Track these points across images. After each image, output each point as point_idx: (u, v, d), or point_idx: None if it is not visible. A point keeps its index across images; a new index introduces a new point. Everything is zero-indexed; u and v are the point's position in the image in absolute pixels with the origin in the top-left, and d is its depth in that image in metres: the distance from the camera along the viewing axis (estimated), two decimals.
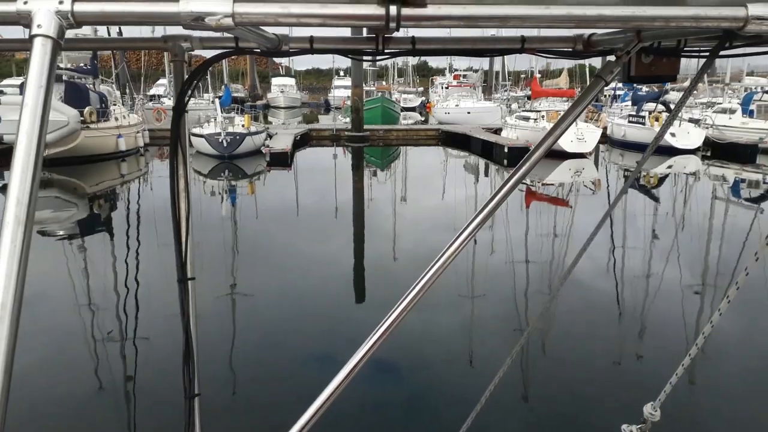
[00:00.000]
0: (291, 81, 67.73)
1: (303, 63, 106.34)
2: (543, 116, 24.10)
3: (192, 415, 1.73)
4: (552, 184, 17.37)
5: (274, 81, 66.28)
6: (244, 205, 14.92)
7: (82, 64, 23.66)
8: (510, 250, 10.19)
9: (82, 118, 19.52)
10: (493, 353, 6.10)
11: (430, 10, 1.06)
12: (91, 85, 22.93)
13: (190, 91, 1.63)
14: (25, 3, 0.92)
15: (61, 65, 23.62)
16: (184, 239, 1.68)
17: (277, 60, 75.69)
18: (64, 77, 22.12)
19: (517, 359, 2.21)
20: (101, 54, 26.79)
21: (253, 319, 7.23)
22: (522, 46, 1.60)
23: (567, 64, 31.38)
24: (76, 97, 20.40)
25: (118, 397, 5.40)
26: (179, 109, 1.65)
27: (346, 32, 1.82)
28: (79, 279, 8.70)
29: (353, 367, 1.54)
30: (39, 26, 0.91)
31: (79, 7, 0.94)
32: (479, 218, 1.56)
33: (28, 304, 5.30)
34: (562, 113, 1.69)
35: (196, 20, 0.96)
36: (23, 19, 0.93)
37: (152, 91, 40.66)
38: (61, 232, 12.01)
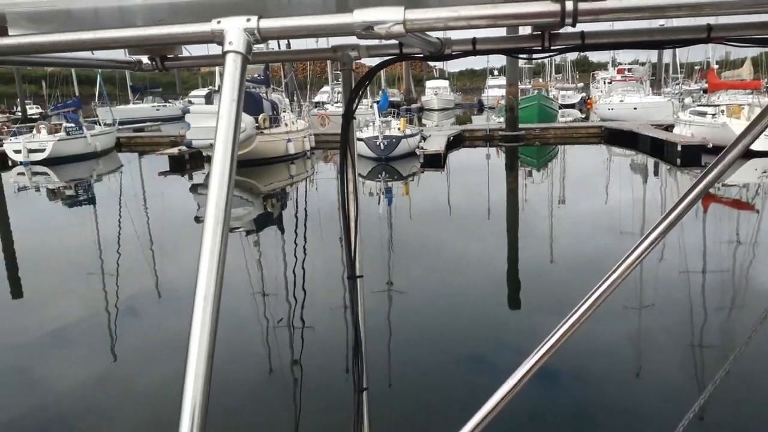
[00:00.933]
0: (444, 83, 68.18)
1: (457, 65, 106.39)
2: (723, 111, 21.68)
3: (361, 408, 1.80)
4: (735, 186, 15.58)
5: (428, 84, 67.15)
6: (399, 205, 15.32)
7: (256, 75, 25.86)
8: (685, 258, 9.32)
9: (257, 125, 21.38)
10: (664, 367, 5.63)
11: (610, 2, 1.00)
12: (264, 94, 24.99)
13: (357, 98, 1.69)
14: (218, 23, 1.00)
15: None
16: (353, 238, 1.75)
17: (431, 63, 76.56)
18: None
19: (720, 385, 1.95)
20: (272, 65, 29.08)
21: (411, 316, 7.41)
22: (708, 35, 1.45)
23: (750, 53, 27.90)
24: (251, 105, 22.38)
25: (286, 382, 5.84)
26: (348, 116, 1.71)
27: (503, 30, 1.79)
28: (254, 271, 9.54)
29: (523, 375, 1.50)
30: (230, 43, 0.98)
31: (265, 24, 1.00)
32: (665, 223, 1.45)
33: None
34: (746, 107, 1.50)
35: (367, 29, 0.99)
36: (216, 38, 1.01)
37: (317, 98, 43.30)
38: (240, 228, 13.26)
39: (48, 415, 5.41)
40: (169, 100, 55.54)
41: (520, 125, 27.91)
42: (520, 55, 1.66)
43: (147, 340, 7.03)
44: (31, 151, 23.39)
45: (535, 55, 1.60)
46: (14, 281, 9.72)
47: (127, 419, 5.30)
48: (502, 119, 30.70)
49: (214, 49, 1.11)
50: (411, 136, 23.26)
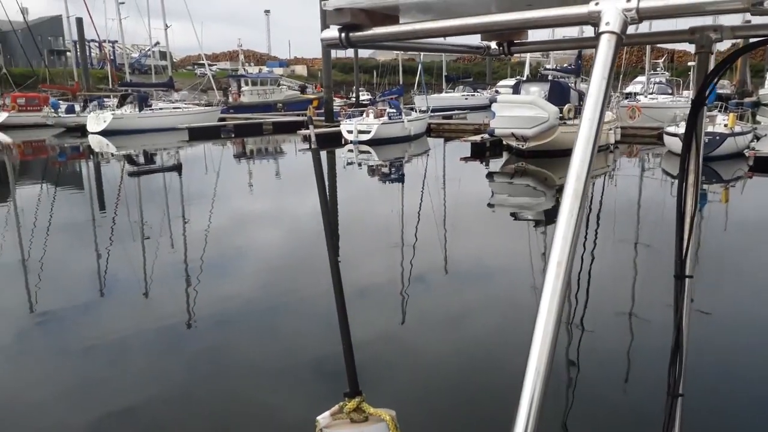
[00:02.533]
0: None
1: None
2: None
3: (673, 414, 1.69)
4: None
5: None
6: (714, 212, 13.41)
7: (566, 65, 25.27)
8: None
9: (560, 115, 20.95)
10: None
11: None
12: (573, 84, 24.28)
13: (713, 85, 1.56)
14: (596, 4, 1.03)
15: (548, 66, 25.80)
16: (686, 235, 1.63)
17: None
18: (549, 77, 24.13)
19: None
20: (584, 53, 27.97)
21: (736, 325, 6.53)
22: None
23: None
24: (558, 95, 21.99)
25: (565, 381, 5.71)
26: (699, 102, 1.60)
27: None
28: (537, 263, 9.49)
29: None
30: (607, 24, 1.01)
31: (645, 4, 1.00)
32: None
33: (506, 272, 6.08)
34: None
35: (757, 5, 0.92)
36: (592, 19, 1.04)
37: (628, 89, 40.29)
38: (529, 217, 13.30)
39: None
40: (478, 90, 57.94)
41: None
42: None
43: (433, 312, 7.59)
44: (360, 132, 27.02)
45: None
46: (333, 243, 11.45)
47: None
48: None
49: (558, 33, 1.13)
50: (740, 134, 20.06)
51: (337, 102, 43.75)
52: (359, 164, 23.48)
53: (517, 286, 8.41)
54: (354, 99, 54.11)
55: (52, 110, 38.66)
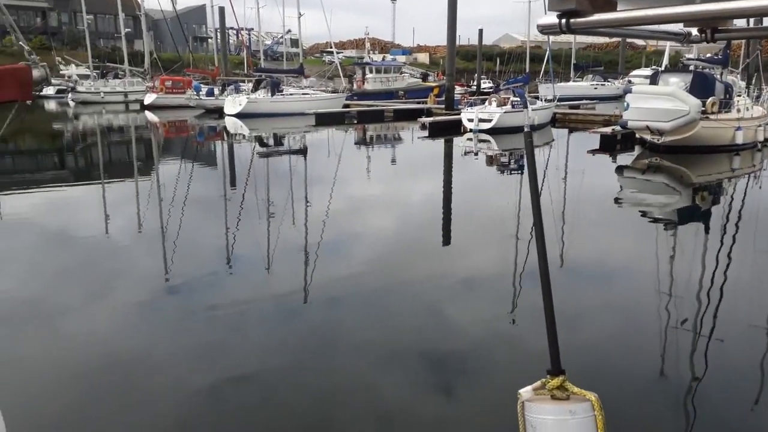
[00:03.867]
0: None
1: None
2: None
3: None
4: None
5: None
6: None
7: (710, 54, 23.16)
8: None
9: (703, 108, 19.27)
10: None
11: None
12: (718, 75, 22.22)
13: None
14: None
15: (690, 56, 23.78)
16: None
17: None
18: (692, 67, 22.23)
19: None
20: (733, 43, 25.47)
21: None
22: None
23: None
24: (701, 87, 20.22)
25: (678, 384, 5.30)
26: None
27: None
28: (664, 265, 8.84)
29: None
30: None
31: None
32: None
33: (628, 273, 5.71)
34: None
35: None
36: None
37: None
38: (660, 216, 12.41)
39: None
40: (609, 80, 54.85)
41: None
42: None
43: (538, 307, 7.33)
44: (481, 120, 26.60)
45: None
46: (446, 230, 11.40)
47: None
48: None
49: None
50: None
51: (458, 90, 43.36)
52: (476, 153, 23.16)
53: (639, 289, 7.88)
54: (475, 87, 53.40)
55: (195, 93, 41.85)
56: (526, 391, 1.85)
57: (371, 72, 49.69)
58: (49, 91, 48.87)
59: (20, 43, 4.01)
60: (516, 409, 1.80)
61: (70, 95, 47.48)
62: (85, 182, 17.55)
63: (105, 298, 7.59)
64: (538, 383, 1.87)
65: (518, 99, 27.62)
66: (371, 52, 58.90)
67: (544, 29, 1.37)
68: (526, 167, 1.89)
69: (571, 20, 1.30)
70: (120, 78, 51.20)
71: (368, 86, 48.67)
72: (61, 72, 51.75)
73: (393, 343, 6.26)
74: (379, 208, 13.15)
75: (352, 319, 6.92)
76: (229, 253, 9.71)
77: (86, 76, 50.53)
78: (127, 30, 53.39)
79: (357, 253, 9.69)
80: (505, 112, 26.58)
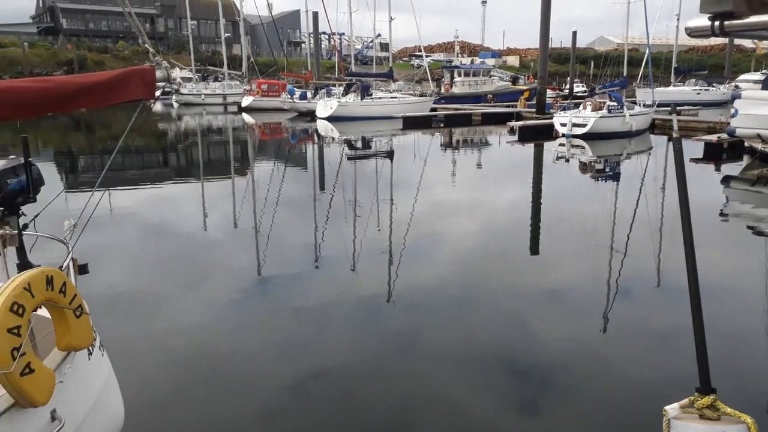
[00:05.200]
0: None
1: None
2: None
3: None
4: None
5: None
6: None
7: None
8: None
9: None
10: None
11: None
12: None
13: None
14: None
15: None
16: None
17: None
18: None
19: None
20: None
21: None
22: None
23: None
24: None
25: None
26: None
27: None
28: None
29: None
30: None
31: None
32: None
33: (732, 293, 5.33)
34: None
35: None
36: None
37: None
38: None
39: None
40: (713, 84, 51.47)
41: None
42: None
43: (634, 325, 7.00)
44: (574, 125, 25.76)
45: None
46: (534, 239, 11.12)
47: None
48: None
49: None
50: None
51: (550, 94, 42.24)
52: (567, 159, 22.44)
53: (741, 310, 7.34)
54: (567, 91, 51.79)
55: (288, 96, 43.31)
56: (672, 409, 1.78)
57: (459, 75, 49.40)
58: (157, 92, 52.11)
59: (146, 45, 4.34)
60: (662, 425, 1.72)
61: (174, 97, 50.48)
62: (186, 180, 18.63)
63: (201, 290, 8.02)
64: (685, 401, 1.80)
65: (615, 103, 26.51)
66: (460, 55, 58.55)
67: (694, 32, 1.30)
68: (675, 177, 1.84)
69: (726, 22, 1.22)
70: (219, 81, 53.88)
71: (456, 90, 48.42)
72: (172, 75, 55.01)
73: (474, 352, 6.19)
74: (464, 213, 13.05)
75: (433, 325, 6.91)
76: (316, 252, 9.97)
77: (189, 79, 53.57)
78: (226, 35, 56.17)
79: (441, 257, 9.66)
80: (600, 117, 25.59)
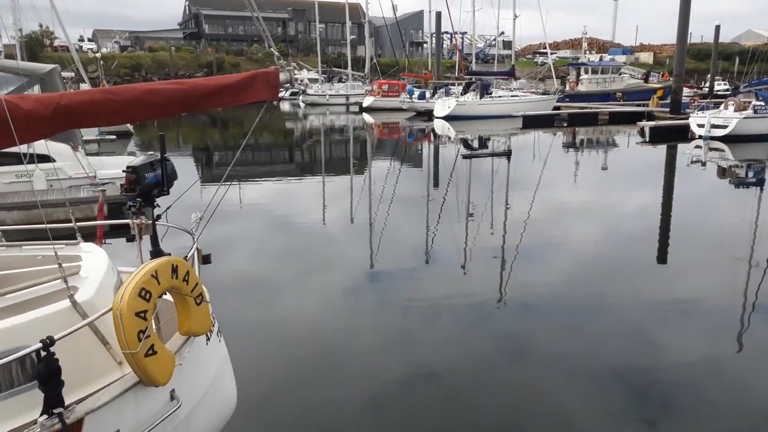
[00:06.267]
0: None
1: None
2: None
3: None
4: None
5: None
6: None
7: None
8: None
9: None
10: None
11: None
12: None
13: None
14: None
15: None
16: None
17: None
18: None
19: None
20: None
21: None
22: None
23: None
24: None
25: None
26: None
27: None
28: None
29: None
30: None
31: None
32: None
33: None
34: None
35: None
36: None
37: None
38: None
39: None
40: None
41: None
42: None
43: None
44: (713, 126, 23.70)
45: None
46: (662, 248, 10.33)
47: None
48: None
49: None
50: None
51: (686, 92, 39.13)
52: (704, 163, 20.65)
53: None
54: (707, 89, 47.72)
55: (408, 96, 43.76)
56: None
57: (586, 73, 47.16)
58: (285, 93, 55.07)
59: (271, 49, 4.57)
60: None
61: (300, 97, 52.85)
62: (307, 176, 19.43)
63: (316, 282, 8.32)
64: None
65: (762, 103, 24.00)
66: (588, 51, 55.93)
67: None
68: None
69: None
70: (343, 82, 55.60)
71: (582, 87, 46.28)
72: (294, 76, 57.86)
73: (590, 364, 5.87)
74: (585, 217, 12.43)
75: (546, 332, 6.65)
76: (428, 250, 9.98)
77: (315, 80, 55.80)
78: (352, 37, 57.81)
79: (558, 262, 9.28)
80: (744, 118, 23.30)
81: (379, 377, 5.62)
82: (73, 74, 26.14)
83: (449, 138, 30.34)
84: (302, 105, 51.79)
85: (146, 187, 3.99)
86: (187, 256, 3.57)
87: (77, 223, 3.97)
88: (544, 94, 42.12)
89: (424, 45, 78.78)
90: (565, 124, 34.37)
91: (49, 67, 12.31)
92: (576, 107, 38.21)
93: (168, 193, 4.21)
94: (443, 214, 12.61)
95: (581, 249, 9.97)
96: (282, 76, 4.46)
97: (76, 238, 3.94)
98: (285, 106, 52.13)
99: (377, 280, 8.56)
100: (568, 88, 47.00)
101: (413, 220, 12.19)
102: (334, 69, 59.88)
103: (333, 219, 12.41)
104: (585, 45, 54.62)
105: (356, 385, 5.49)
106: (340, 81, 56.39)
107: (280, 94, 4.49)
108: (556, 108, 37.53)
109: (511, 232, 10.94)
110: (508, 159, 22.53)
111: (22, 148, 3.62)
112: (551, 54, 52.92)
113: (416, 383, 5.49)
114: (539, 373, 5.69)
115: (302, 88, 54.46)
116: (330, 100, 51.84)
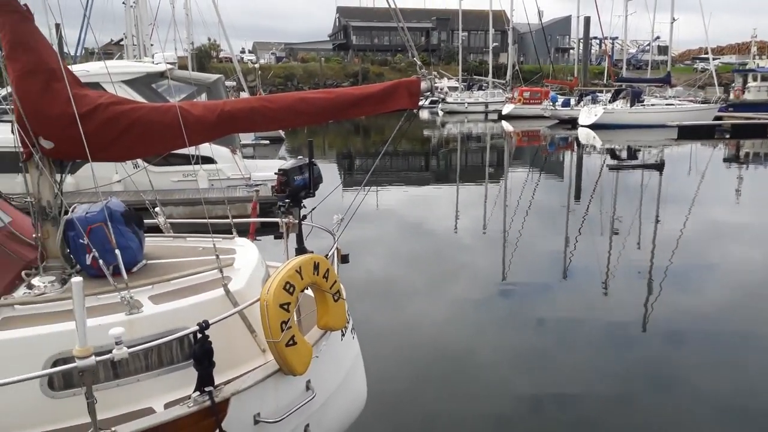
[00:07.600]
0: None
1: None
2: None
3: None
4: None
5: None
6: None
7: None
8: None
9: None
10: None
11: None
12: None
13: None
14: None
15: None
16: None
17: None
18: None
19: None
20: None
21: None
22: None
23: None
24: None
25: None
26: None
27: None
28: None
29: None
30: None
31: None
32: None
33: None
34: None
35: None
36: None
37: None
38: None
39: None
40: None
41: None
42: None
43: None
44: None
45: None
46: None
47: None
48: None
49: None
50: None
51: None
52: None
53: None
54: None
55: (551, 103, 42.34)
56: None
57: (755, 80, 42.48)
58: (425, 102, 55.81)
59: (414, 59, 4.69)
60: None
61: (439, 106, 53.25)
62: (443, 183, 19.52)
63: (447, 289, 8.34)
64: None
65: None
66: (757, 56, 50.38)
67: None
68: None
69: None
70: (483, 89, 55.13)
71: (749, 96, 41.76)
72: (435, 85, 58.53)
73: (743, 403, 5.28)
74: (747, 240, 11.21)
75: (695, 364, 6.10)
76: (565, 265, 9.58)
77: (455, 88, 55.88)
78: (494, 44, 57.19)
79: (712, 287, 8.47)
80: None
81: (507, 395, 5.50)
82: (234, 83, 28.50)
83: (594, 147, 28.89)
84: (441, 113, 52.14)
85: (295, 189, 4.26)
86: (327, 255, 3.76)
87: (233, 220, 4.34)
88: (703, 102, 38.61)
89: (571, 51, 75.82)
90: (728, 136, 31.21)
91: (214, 77, 13.57)
92: (741, 117, 34.57)
93: (314, 195, 4.46)
94: (584, 227, 12.04)
95: (740, 275, 9.00)
96: (423, 85, 4.55)
97: (231, 233, 4.31)
98: (424, 114, 52.83)
99: (509, 293, 8.38)
100: (732, 96, 42.72)
101: (550, 233, 11.77)
102: (474, 77, 59.58)
103: (465, 227, 12.35)
104: (754, 49, 49.25)
105: (482, 400, 5.41)
106: (480, 89, 55.99)
107: (420, 103, 4.58)
108: (718, 118, 34.24)
109: (660, 251, 10.17)
110: (661, 172, 20.95)
111: (191, 150, 4.03)
112: (713, 59, 48.42)
113: (545, 406, 5.30)
114: (684, 408, 5.23)
115: (441, 96, 54.83)
116: (468, 108, 51.63)
